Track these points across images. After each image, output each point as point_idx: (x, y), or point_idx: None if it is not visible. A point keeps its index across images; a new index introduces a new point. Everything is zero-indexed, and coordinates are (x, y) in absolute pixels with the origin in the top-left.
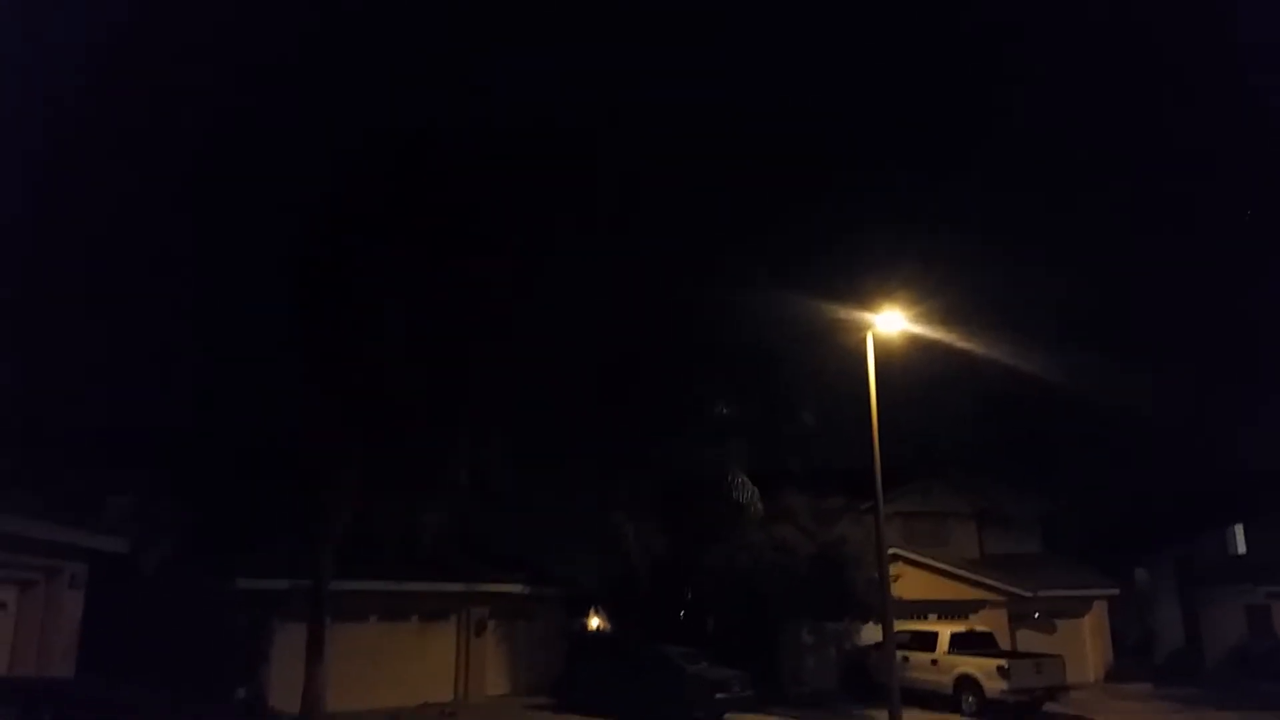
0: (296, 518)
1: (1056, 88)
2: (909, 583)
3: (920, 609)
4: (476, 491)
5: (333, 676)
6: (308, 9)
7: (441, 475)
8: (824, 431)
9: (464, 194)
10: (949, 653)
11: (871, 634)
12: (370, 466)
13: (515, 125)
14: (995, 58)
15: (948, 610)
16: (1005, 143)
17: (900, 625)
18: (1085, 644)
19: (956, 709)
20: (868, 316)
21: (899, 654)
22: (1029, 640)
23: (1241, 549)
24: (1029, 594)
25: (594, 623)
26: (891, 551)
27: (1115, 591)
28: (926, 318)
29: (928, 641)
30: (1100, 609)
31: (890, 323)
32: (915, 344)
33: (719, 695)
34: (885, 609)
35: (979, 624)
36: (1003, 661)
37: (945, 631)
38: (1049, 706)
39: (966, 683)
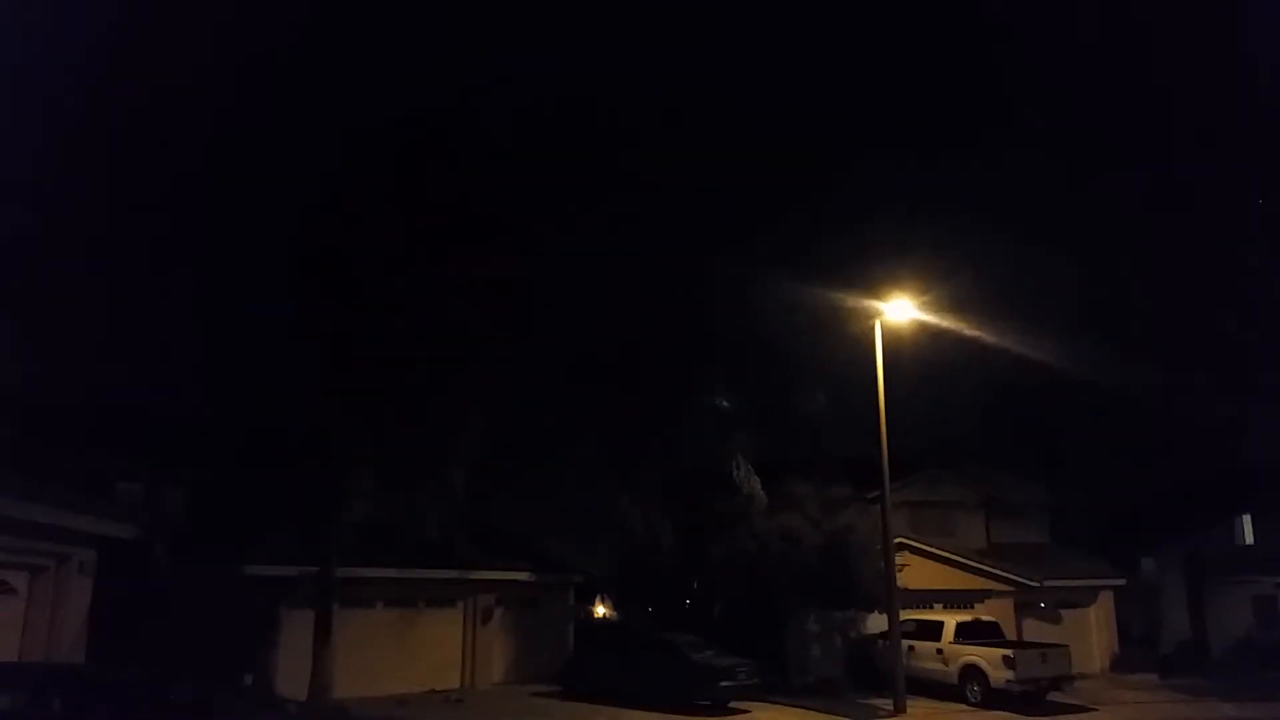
0: (304, 505)
1: (1066, 76)
2: (915, 572)
3: (926, 598)
4: (483, 480)
5: (340, 663)
6: (308, 8)
7: (449, 464)
8: (831, 421)
9: (467, 190)
10: (954, 642)
11: (877, 623)
12: (377, 454)
13: (516, 121)
14: (1006, 44)
15: (954, 600)
16: (1014, 130)
17: (906, 614)
18: (1091, 634)
19: (962, 698)
20: (876, 305)
21: (905, 643)
22: (1035, 630)
23: (1249, 539)
24: (1035, 584)
25: (600, 610)
26: (898, 541)
27: (1122, 582)
28: (935, 306)
29: (933, 631)
30: (1107, 599)
31: (899, 311)
32: (924, 333)
33: (725, 683)
34: (891, 598)
35: (985, 614)
36: (1008, 651)
37: (951, 621)
38: (1054, 696)
39: (972, 672)
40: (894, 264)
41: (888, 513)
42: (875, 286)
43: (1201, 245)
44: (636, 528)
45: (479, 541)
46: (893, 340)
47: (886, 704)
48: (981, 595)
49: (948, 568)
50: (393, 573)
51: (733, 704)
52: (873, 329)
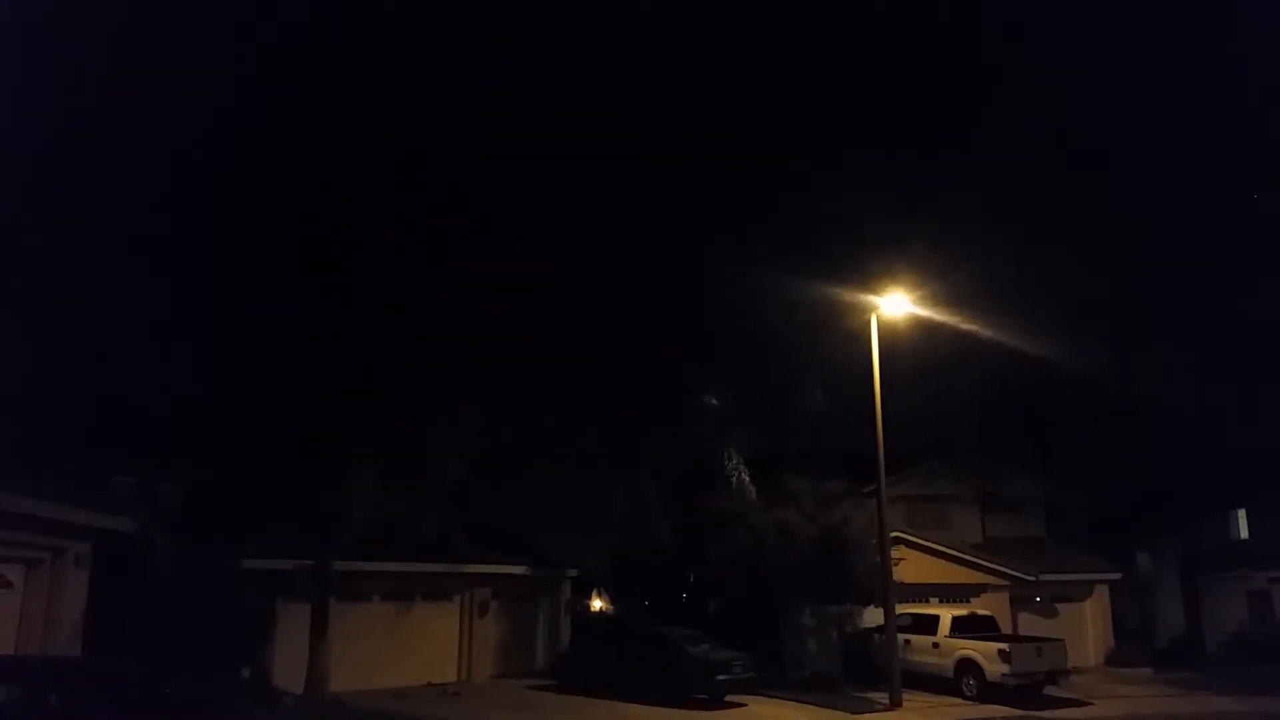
0: (301, 499)
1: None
2: (911, 566)
3: (922, 592)
4: (481, 475)
5: (336, 657)
6: (308, 8)
7: (446, 459)
8: (828, 415)
9: (466, 189)
10: (950, 636)
11: (873, 617)
12: (375, 450)
13: (516, 121)
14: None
15: (949, 594)
16: (1011, 126)
17: (902, 608)
18: (1087, 628)
19: (957, 692)
20: (872, 299)
21: (900, 637)
22: (1031, 624)
23: (1244, 534)
24: (1031, 578)
25: (597, 604)
26: (894, 535)
27: (1117, 576)
28: (931, 300)
29: (929, 625)
30: (1102, 593)
31: (895, 305)
32: (920, 327)
33: (721, 677)
34: (887, 592)
35: (981, 607)
36: (1004, 645)
37: (947, 615)
38: (1050, 690)
39: (968, 666)
40: (890, 259)
41: (884, 507)
42: (872, 281)
43: (1199, 241)
44: (633, 522)
45: (476, 536)
46: (889, 335)
47: (882, 698)
48: (977, 589)
49: (943, 562)
50: (390, 566)
51: (729, 698)
52: (869, 324)
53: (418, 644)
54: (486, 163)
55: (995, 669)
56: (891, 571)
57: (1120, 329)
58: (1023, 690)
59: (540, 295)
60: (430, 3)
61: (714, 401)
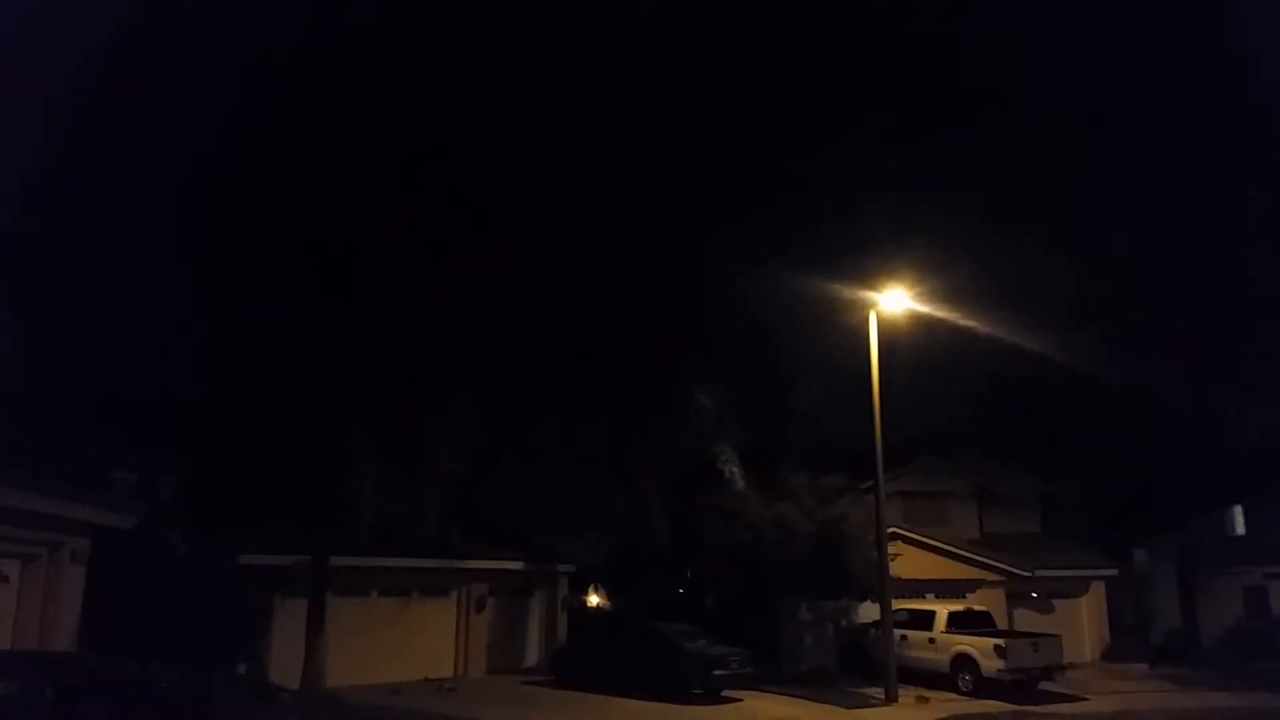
0: (299, 494)
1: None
2: (908, 562)
3: (919, 588)
4: (478, 470)
5: (333, 652)
6: (309, 8)
7: (444, 454)
8: (826, 410)
9: (464, 186)
10: (947, 631)
11: (870, 612)
12: (373, 446)
13: (516, 120)
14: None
15: (946, 589)
16: (1011, 122)
17: (898, 604)
18: (1083, 624)
19: (953, 687)
20: (871, 296)
21: (897, 632)
22: (1027, 620)
23: (1240, 530)
24: (1027, 574)
25: (593, 600)
26: (891, 530)
27: (1114, 572)
28: (930, 297)
29: (925, 620)
30: (1098, 589)
31: (894, 302)
32: (919, 323)
33: (717, 672)
34: (884, 587)
35: (977, 603)
36: (1000, 641)
37: (943, 610)
38: (1046, 685)
39: (964, 661)
40: (890, 255)
41: (881, 503)
42: (871, 278)
43: (1196, 237)
44: (630, 518)
45: (473, 532)
46: (888, 331)
47: (879, 693)
48: (974, 585)
49: (940, 557)
50: (387, 562)
51: (726, 693)
52: (868, 320)
53: (414, 639)
54: (486, 162)
55: (991, 664)
56: (888, 567)
57: (1119, 325)
58: (1018, 685)
59: (539, 293)
60: (430, 3)
61: (713, 398)
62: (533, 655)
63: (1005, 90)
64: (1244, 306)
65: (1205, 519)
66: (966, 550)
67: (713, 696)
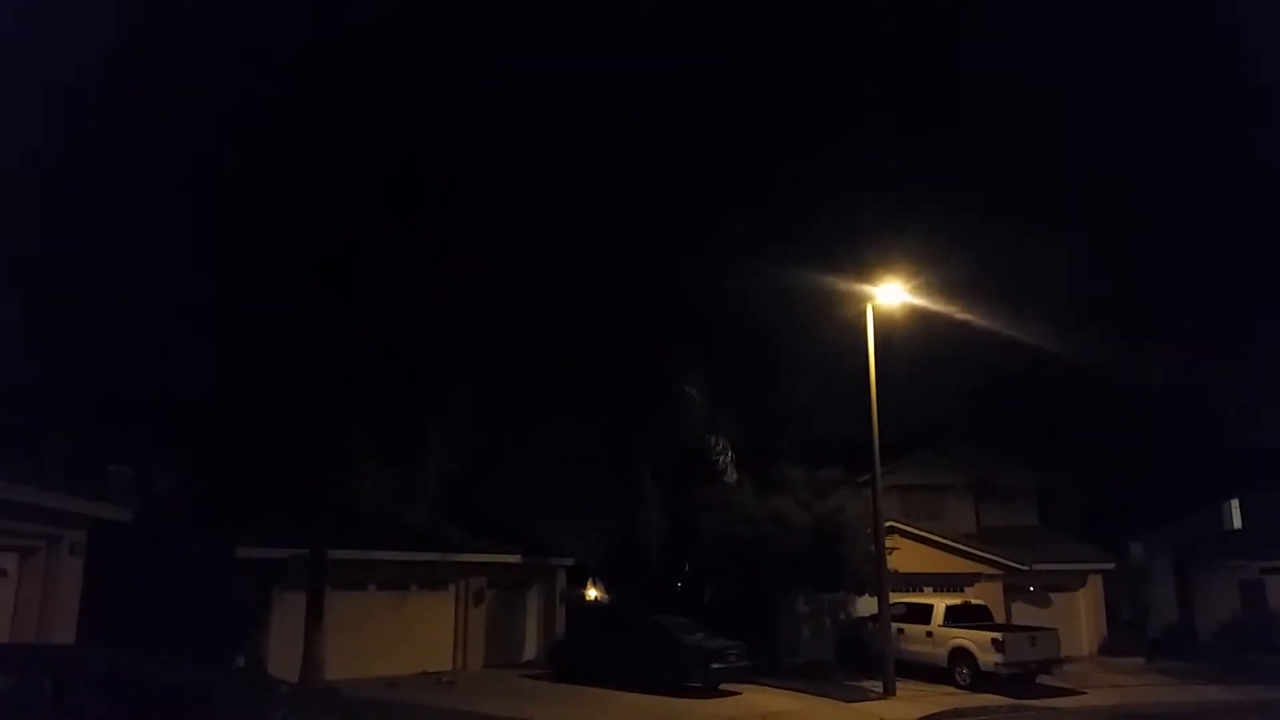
0: (296, 487)
1: (1064, 64)
2: (905, 555)
3: (916, 581)
4: (476, 464)
5: (331, 645)
6: (309, 8)
7: (441, 448)
8: (823, 404)
9: (462, 184)
10: (944, 625)
11: (867, 606)
12: (371, 438)
13: (516, 118)
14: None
15: (943, 583)
16: (1010, 117)
17: (896, 597)
18: (1080, 617)
19: (951, 681)
20: (868, 289)
21: (894, 626)
22: (1024, 613)
23: (1237, 524)
24: (1025, 567)
25: (592, 593)
26: (888, 524)
27: (1111, 566)
28: (927, 290)
29: (923, 614)
30: (1095, 583)
31: (890, 295)
32: (915, 317)
33: (715, 665)
34: (881, 581)
35: (974, 597)
36: (997, 634)
37: (940, 604)
38: (1043, 679)
39: (961, 655)
40: (886, 248)
41: (878, 496)
42: (867, 271)
43: (1195, 234)
44: (628, 512)
45: (472, 526)
46: (884, 325)
47: (876, 686)
48: (971, 578)
49: (937, 551)
50: (385, 555)
51: (723, 686)
52: (864, 313)
53: (413, 632)
54: (486, 162)
55: (988, 658)
56: (885, 560)
57: (1116, 319)
58: (1016, 679)
59: (537, 291)
60: (430, 3)
61: (709, 393)
62: (531, 649)
63: (1004, 90)
64: (1242, 300)
65: (1202, 513)
66: (964, 544)
67: (711, 690)
